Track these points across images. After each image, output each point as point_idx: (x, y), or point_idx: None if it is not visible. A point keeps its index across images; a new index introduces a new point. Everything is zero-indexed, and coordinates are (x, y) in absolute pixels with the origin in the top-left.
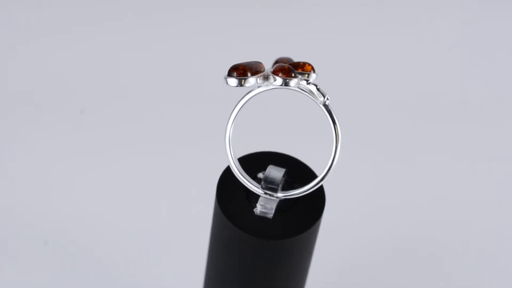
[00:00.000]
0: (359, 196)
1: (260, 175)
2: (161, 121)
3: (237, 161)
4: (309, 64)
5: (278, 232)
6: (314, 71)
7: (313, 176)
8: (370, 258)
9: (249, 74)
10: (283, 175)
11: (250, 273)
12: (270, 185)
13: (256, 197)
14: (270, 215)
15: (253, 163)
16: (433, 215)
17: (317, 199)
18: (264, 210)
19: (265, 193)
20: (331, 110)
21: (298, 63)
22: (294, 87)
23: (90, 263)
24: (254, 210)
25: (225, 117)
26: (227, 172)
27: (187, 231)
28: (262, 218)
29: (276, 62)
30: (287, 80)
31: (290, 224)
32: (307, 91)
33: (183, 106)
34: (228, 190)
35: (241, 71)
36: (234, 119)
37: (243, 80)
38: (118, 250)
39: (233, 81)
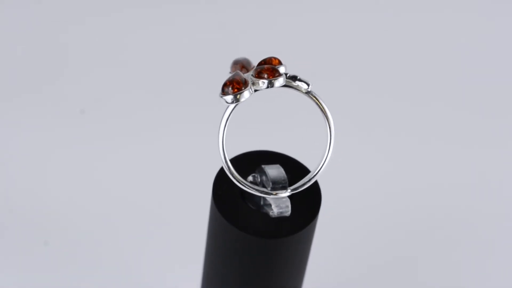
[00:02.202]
0: (354, 187)
1: (250, 178)
2: (154, 118)
3: (236, 173)
4: (275, 58)
5: (276, 231)
6: (281, 63)
7: (303, 168)
8: (369, 254)
9: (243, 88)
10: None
11: (248, 272)
12: (277, 185)
13: (252, 196)
14: (288, 213)
15: (243, 164)
16: (434, 203)
17: (313, 195)
18: (280, 210)
19: (276, 194)
20: (316, 96)
21: (264, 60)
22: (281, 85)
23: (90, 263)
24: (271, 213)
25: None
26: (223, 171)
27: (184, 231)
28: (259, 217)
29: (241, 65)
30: (273, 81)
31: (288, 223)
32: (288, 84)
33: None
34: (224, 190)
35: (234, 86)
36: (224, 128)
37: (238, 95)
38: (117, 250)
39: (229, 98)
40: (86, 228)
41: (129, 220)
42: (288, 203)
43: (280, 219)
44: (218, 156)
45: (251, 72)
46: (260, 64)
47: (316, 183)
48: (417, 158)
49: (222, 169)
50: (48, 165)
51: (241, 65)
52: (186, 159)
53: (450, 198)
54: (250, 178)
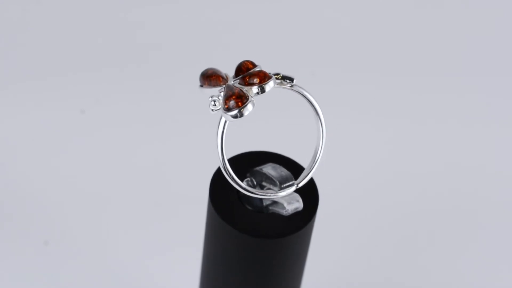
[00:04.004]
0: (348, 178)
1: (244, 183)
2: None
3: (240, 180)
4: (248, 61)
5: (274, 231)
6: (255, 65)
7: (293, 163)
8: (367, 250)
9: (245, 101)
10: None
11: (247, 272)
12: (285, 184)
13: (248, 197)
14: (301, 207)
15: (236, 169)
16: (430, 193)
17: (310, 194)
18: (294, 207)
19: (277, 193)
20: (302, 89)
21: (240, 66)
22: (273, 87)
23: (89, 263)
24: (284, 212)
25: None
26: (219, 172)
27: (182, 230)
28: (256, 217)
29: (218, 76)
30: (264, 86)
31: (286, 222)
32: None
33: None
34: (221, 190)
35: (237, 100)
36: (222, 143)
37: (242, 109)
38: (117, 251)
39: (234, 113)
40: (86, 228)
41: (129, 219)
42: (299, 198)
43: (278, 219)
44: (214, 159)
45: (235, 81)
46: (238, 70)
47: (313, 182)
48: (411, 146)
49: (218, 169)
50: (47, 165)
51: (218, 76)
52: (182, 158)
53: (451, 186)
54: (244, 183)
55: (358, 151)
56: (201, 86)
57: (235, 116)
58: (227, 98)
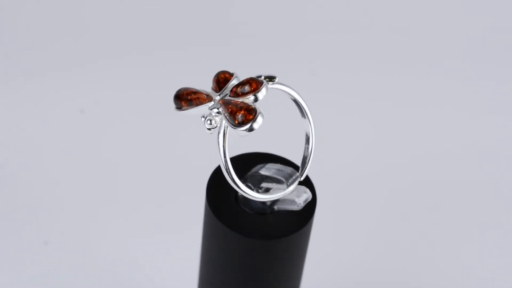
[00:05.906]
0: (346, 175)
1: (244, 187)
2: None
3: (244, 185)
4: (224, 72)
5: (272, 232)
6: (231, 73)
7: (286, 161)
8: (367, 249)
9: (254, 113)
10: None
11: (246, 273)
12: (291, 179)
13: (246, 199)
14: (310, 196)
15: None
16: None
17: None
18: (303, 199)
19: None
20: (282, 87)
21: (217, 79)
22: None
23: (90, 263)
24: (296, 207)
25: None
26: (217, 173)
27: (182, 230)
28: (255, 218)
29: (203, 94)
30: (257, 94)
31: (283, 223)
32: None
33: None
34: (218, 191)
35: (245, 113)
36: (225, 155)
37: (253, 123)
38: (116, 250)
39: (246, 128)
40: (86, 227)
41: (129, 219)
42: (305, 189)
43: (277, 219)
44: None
45: (223, 94)
46: (218, 83)
47: (310, 182)
48: (410, 139)
49: (216, 169)
50: (47, 164)
51: (199, 93)
52: (181, 156)
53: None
54: (243, 187)
55: (355, 146)
56: (179, 108)
57: (246, 130)
58: (234, 113)
